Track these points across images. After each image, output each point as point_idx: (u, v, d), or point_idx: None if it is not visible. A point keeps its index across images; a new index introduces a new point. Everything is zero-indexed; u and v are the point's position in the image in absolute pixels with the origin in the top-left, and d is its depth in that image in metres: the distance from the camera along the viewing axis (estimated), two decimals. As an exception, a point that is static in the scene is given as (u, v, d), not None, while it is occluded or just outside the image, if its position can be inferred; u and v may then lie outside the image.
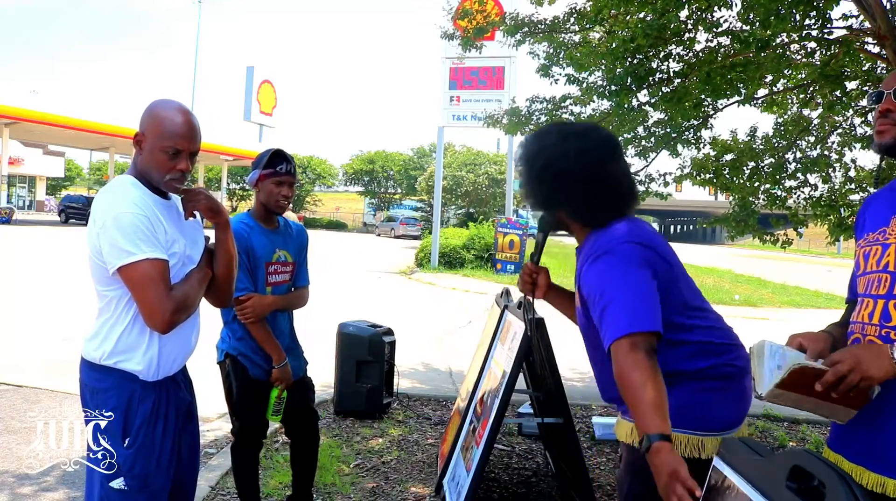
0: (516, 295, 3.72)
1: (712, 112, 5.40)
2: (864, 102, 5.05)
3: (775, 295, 15.92)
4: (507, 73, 17.32)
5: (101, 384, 1.81)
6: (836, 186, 5.70)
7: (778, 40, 4.45)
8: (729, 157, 5.79)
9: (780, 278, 19.85)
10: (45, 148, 44.32)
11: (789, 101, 5.72)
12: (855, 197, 5.56)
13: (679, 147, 5.61)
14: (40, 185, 47.43)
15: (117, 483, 1.78)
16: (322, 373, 4.39)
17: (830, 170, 5.65)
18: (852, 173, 5.66)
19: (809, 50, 4.89)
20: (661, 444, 1.43)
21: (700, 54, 4.86)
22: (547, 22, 5.38)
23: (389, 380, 4.92)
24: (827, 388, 1.31)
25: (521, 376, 3.36)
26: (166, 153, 1.80)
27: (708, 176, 5.84)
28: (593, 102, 5.40)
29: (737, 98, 5.03)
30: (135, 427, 1.80)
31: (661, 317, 1.64)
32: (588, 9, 4.97)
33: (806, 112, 5.72)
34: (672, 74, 4.87)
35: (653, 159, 5.81)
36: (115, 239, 1.72)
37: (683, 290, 1.79)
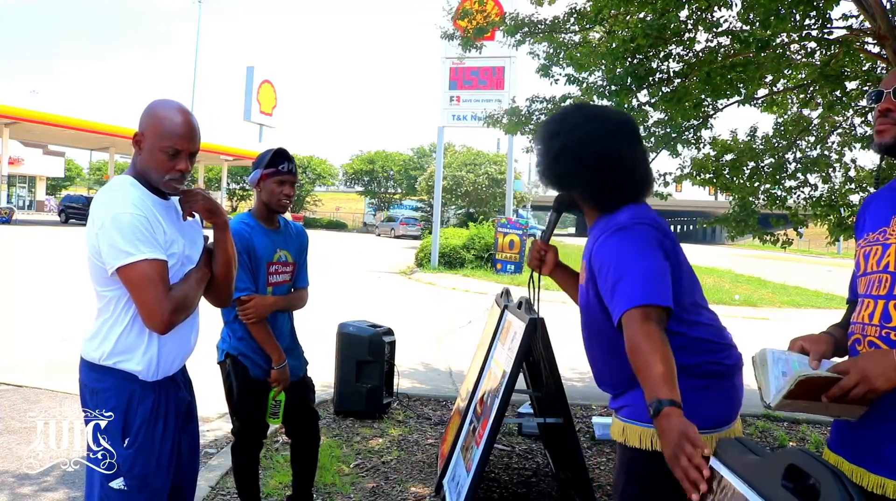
0: (516, 295, 3.73)
1: (712, 112, 5.39)
2: (864, 102, 5.04)
3: (775, 295, 15.91)
4: (507, 73, 17.32)
5: (101, 385, 1.81)
6: (836, 187, 5.69)
7: (778, 40, 4.45)
8: (729, 157, 5.78)
9: (780, 278, 19.85)
10: (45, 148, 44.33)
11: (789, 101, 5.71)
12: (855, 197, 5.56)
13: (679, 147, 5.60)
14: (40, 185, 47.43)
15: (117, 483, 1.78)
16: (322, 373, 4.39)
17: (830, 170, 5.65)
18: (852, 173, 5.65)
19: (809, 50, 4.89)
20: (672, 409, 1.41)
21: (700, 54, 4.86)
22: (547, 22, 5.37)
23: (389, 380, 4.92)
24: (833, 400, 1.32)
25: (521, 376, 3.36)
26: (165, 153, 1.80)
27: (708, 176, 5.84)
28: (593, 102, 5.39)
29: (737, 98, 5.03)
30: (134, 427, 1.80)
31: None
32: (588, 9, 4.96)
33: (806, 112, 5.72)
34: (672, 74, 4.87)
35: (653, 160, 5.81)
36: (113, 239, 1.72)
37: (685, 283, 1.79)
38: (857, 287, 1.56)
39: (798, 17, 4.25)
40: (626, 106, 4.82)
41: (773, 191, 5.76)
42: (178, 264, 1.85)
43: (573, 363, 6.01)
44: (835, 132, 5.67)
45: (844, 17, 4.53)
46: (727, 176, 5.74)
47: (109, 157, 38.91)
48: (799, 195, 5.75)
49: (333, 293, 10.96)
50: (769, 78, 5.11)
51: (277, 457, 3.87)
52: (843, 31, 4.52)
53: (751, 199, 5.71)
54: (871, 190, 4.05)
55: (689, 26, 4.71)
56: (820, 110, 5.53)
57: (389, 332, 4.96)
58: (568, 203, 2.00)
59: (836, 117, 5.47)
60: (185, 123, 1.82)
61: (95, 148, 42.19)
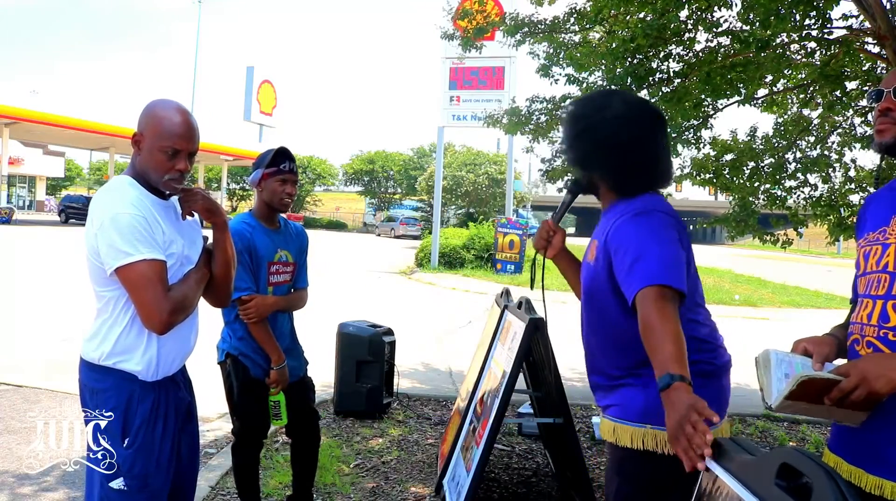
0: (516, 295, 3.73)
1: (712, 112, 5.39)
2: (864, 102, 5.04)
3: (775, 295, 15.91)
4: (507, 73, 17.32)
5: (101, 385, 1.81)
6: (836, 187, 5.69)
7: (778, 40, 4.44)
8: (729, 157, 5.78)
9: (780, 278, 19.84)
10: (45, 148, 44.33)
11: (789, 101, 5.71)
12: (855, 197, 5.56)
13: (679, 147, 5.59)
14: (40, 185, 47.43)
15: (117, 483, 1.78)
16: (322, 373, 4.38)
17: (830, 170, 5.64)
18: (852, 173, 5.65)
19: (809, 50, 4.88)
20: (682, 384, 1.40)
21: (700, 54, 4.86)
22: (547, 22, 5.37)
23: (389, 380, 4.92)
24: (834, 402, 1.32)
25: (521, 376, 3.36)
26: (165, 153, 1.80)
27: (708, 176, 5.83)
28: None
29: (737, 98, 5.03)
30: (134, 428, 1.80)
31: None
32: (588, 9, 4.96)
33: (806, 112, 5.71)
34: (672, 74, 4.86)
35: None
36: (112, 240, 1.72)
37: (690, 280, 1.79)
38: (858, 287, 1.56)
39: (798, 17, 4.25)
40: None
41: (773, 191, 5.75)
42: (177, 264, 1.85)
43: (573, 363, 6.00)
44: (835, 132, 5.66)
45: (844, 17, 4.52)
46: (727, 176, 5.73)
47: (109, 157, 38.91)
48: (799, 195, 5.74)
49: (333, 293, 10.96)
50: (769, 78, 5.10)
51: (277, 457, 3.87)
52: (843, 31, 4.52)
53: (751, 199, 5.71)
54: (871, 190, 4.06)
55: (689, 26, 4.70)
56: (820, 110, 5.53)
57: (389, 332, 4.96)
58: (584, 187, 2.00)
59: (836, 117, 5.47)
60: (184, 122, 1.82)
61: (95, 148, 42.20)
